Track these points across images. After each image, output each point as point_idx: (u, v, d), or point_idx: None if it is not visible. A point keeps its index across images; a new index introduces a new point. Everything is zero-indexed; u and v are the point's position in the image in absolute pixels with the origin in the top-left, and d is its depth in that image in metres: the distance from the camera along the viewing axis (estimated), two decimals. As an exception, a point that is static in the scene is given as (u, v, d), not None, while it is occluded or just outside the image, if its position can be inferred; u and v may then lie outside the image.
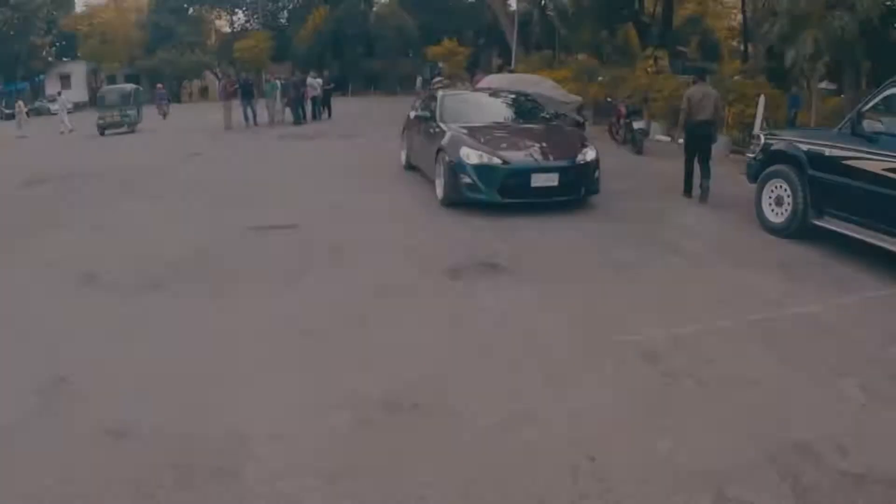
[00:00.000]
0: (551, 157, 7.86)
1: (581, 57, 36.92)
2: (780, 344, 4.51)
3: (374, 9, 55.11)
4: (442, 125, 8.81)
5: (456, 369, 4.05)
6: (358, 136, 18.41)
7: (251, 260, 6.36)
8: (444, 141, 8.27)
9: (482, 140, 8.06)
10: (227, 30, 58.29)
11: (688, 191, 9.18)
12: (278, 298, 5.33)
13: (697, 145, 9.03)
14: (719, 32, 36.63)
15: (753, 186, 7.84)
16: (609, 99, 17.16)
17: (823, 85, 23.72)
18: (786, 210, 6.96)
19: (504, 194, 7.70)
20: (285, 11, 57.99)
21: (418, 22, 52.10)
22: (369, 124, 21.90)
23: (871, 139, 6.01)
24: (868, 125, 6.10)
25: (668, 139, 16.32)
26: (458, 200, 8.00)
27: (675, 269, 6.07)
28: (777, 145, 7.15)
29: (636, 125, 13.62)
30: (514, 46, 28.21)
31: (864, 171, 6.00)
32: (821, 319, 4.95)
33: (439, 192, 8.41)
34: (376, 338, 4.50)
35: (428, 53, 46.92)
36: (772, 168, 7.17)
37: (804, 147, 6.69)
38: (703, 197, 8.89)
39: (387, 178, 10.77)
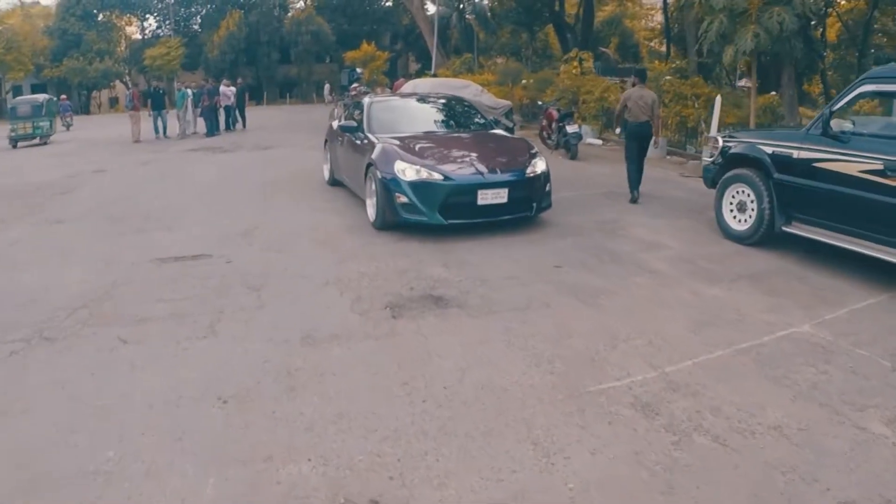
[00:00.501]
0: (498, 170, 6.99)
1: (500, 60, 36.86)
2: (784, 376, 3.98)
3: (290, 14, 53.59)
4: (370, 136, 7.89)
5: (418, 444, 3.26)
6: (275, 147, 17.31)
7: (157, 302, 5.36)
8: (375, 154, 7.34)
9: (418, 152, 7.17)
10: (138, 36, 55.32)
11: (634, 193, 9.04)
12: (189, 353, 4.39)
13: (637, 145, 9.09)
14: (638, 34, 37.09)
15: (704, 190, 7.53)
16: (539, 102, 16.73)
17: (742, 83, 24.22)
18: (749, 217, 6.53)
19: (447, 215, 6.80)
20: (198, 17, 55.46)
21: (334, 27, 51.00)
22: (286, 134, 20.79)
23: (842, 140, 5.62)
24: (836, 125, 5.70)
25: (601, 142, 16.03)
26: (393, 223, 7.10)
27: (645, 290, 5.47)
28: (737, 148, 6.70)
29: (570, 129, 13.15)
30: (434, 50, 27.55)
31: (839, 173, 5.59)
32: (816, 341, 4.48)
33: (371, 213, 7.51)
34: (311, 405, 3.65)
35: (346, 58, 45.80)
36: (732, 172, 6.72)
37: (768, 150, 6.25)
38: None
39: (309, 195, 9.80)
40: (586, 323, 4.76)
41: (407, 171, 6.81)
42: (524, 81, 22.45)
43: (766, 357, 4.23)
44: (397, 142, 7.43)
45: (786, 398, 3.75)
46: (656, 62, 23.73)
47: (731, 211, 6.74)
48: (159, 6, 53.60)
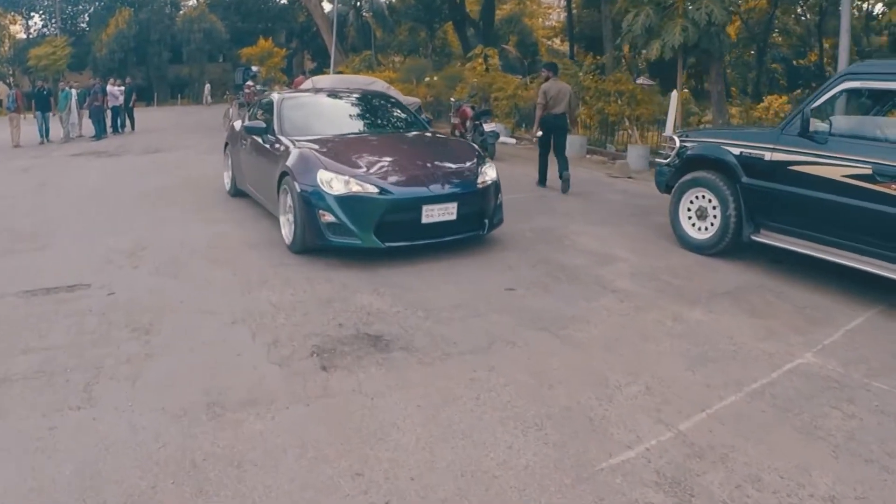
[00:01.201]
0: (444, 181, 5.73)
1: (398, 58, 35.90)
2: (813, 425, 3.28)
3: (181, 11, 50.26)
4: (283, 139, 6.45)
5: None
6: (166, 150, 15.52)
7: (21, 353, 4.02)
8: (291, 162, 5.92)
9: (345, 159, 5.80)
10: (23, 35, 50.25)
11: (542, 182, 9.63)
12: (59, 434, 3.14)
13: (554, 137, 9.39)
14: (537, 32, 36.89)
15: (640, 192, 6.92)
16: (452, 100, 15.84)
17: (641, 81, 24.31)
18: (711, 224, 5.87)
19: (385, 236, 5.49)
20: (86, 15, 50.91)
21: (228, 25, 48.31)
22: (178, 137, 18.92)
23: (822, 141, 5.01)
24: (812, 125, 5.09)
25: (514, 141, 15.36)
26: (316, 246, 5.74)
27: (618, 316, 4.64)
28: (697, 149, 6.01)
29: (487, 128, 12.31)
30: (332, 48, 26.13)
31: (821, 178, 4.99)
32: (827, 374, 3.83)
33: (286, 232, 6.10)
34: (230, 520, 2.56)
35: (242, 55, 43.30)
36: (690, 176, 6.04)
37: (735, 151, 5.59)
38: (565, 187, 9.08)
39: (207, 206, 8.39)
40: (565, 365, 3.86)
41: (333, 183, 5.50)
42: (428, 79, 21.57)
43: (784, 400, 3.49)
44: (317, 146, 6.11)
45: (826, 455, 3.01)
46: (554, 59, 23.44)
47: (690, 218, 6.06)
48: (45, 4, 49.03)
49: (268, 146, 6.76)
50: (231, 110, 18.30)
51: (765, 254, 5.85)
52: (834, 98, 5.10)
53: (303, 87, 15.23)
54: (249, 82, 20.12)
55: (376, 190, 5.49)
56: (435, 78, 21.98)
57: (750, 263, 5.76)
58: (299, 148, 6.10)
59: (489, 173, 6.17)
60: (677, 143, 6.14)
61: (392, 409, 3.33)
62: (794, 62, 22.89)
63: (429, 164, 5.95)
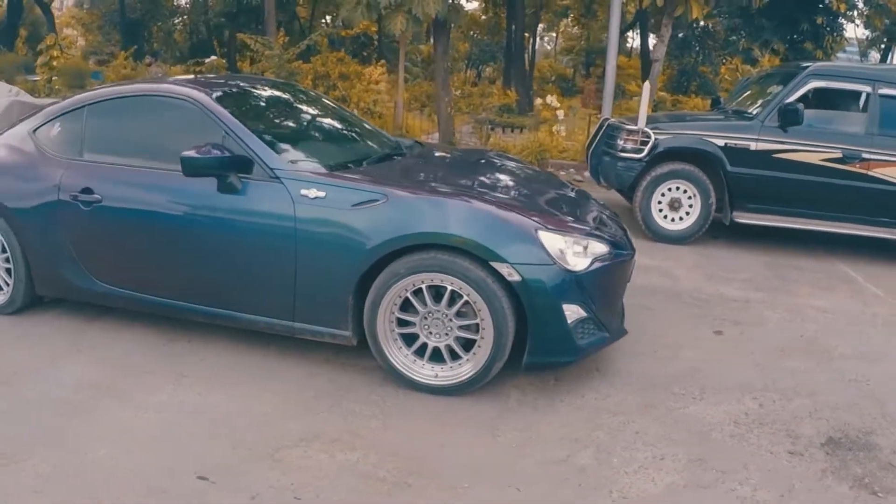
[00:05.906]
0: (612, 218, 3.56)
1: None
2: None
3: None
4: (327, 179, 2.88)
5: None
6: None
7: None
8: (454, 222, 2.73)
9: (523, 205, 3.07)
10: None
11: None
12: None
13: None
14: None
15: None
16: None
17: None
18: (687, 214, 5.54)
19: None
20: None
21: None
22: None
23: (788, 131, 5.25)
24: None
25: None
26: (547, 363, 2.98)
27: (854, 330, 3.92)
28: (676, 142, 5.40)
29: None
30: None
31: (802, 163, 5.21)
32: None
33: (418, 370, 2.85)
34: None
35: None
36: (667, 168, 5.45)
37: (720, 142, 5.29)
38: None
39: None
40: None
41: (567, 252, 2.80)
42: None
43: None
44: (417, 184, 3.12)
45: None
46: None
47: (661, 210, 5.56)
48: None
49: (269, 202, 2.84)
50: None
51: (718, 234, 5.82)
52: (804, 96, 5.30)
53: None
54: None
55: (608, 249, 2.97)
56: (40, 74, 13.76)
57: (718, 244, 5.66)
58: (437, 196, 2.87)
59: None
60: (652, 137, 5.44)
61: None
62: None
63: (571, 195, 3.60)
